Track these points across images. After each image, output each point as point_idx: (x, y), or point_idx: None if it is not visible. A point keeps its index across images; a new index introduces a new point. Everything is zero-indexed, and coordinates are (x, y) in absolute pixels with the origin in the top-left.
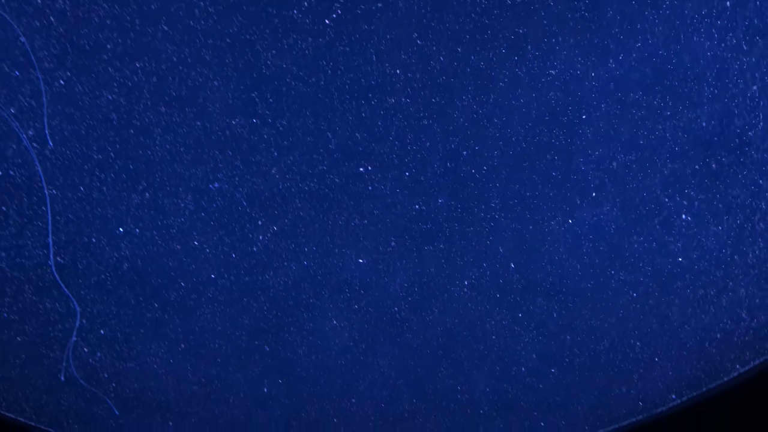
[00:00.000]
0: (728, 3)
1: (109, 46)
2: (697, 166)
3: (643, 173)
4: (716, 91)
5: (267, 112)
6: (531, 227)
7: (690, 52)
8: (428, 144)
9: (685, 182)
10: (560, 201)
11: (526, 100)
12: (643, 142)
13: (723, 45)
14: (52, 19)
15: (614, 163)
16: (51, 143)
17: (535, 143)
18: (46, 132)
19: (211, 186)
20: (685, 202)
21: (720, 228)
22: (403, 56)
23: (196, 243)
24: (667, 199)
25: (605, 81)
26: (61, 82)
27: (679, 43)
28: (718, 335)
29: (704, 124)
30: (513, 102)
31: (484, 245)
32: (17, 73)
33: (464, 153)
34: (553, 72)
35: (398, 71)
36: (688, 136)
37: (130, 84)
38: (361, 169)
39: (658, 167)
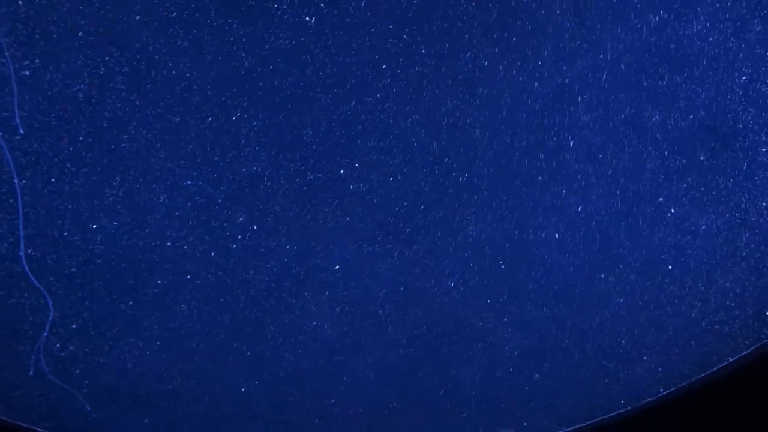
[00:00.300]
0: None
1: (80, 34)
2: (684, 160)
3: (631, 170)
4: (705, 84)
5: (247, 106)
6: (518, 229)
7: (679, 45)
8: (414, 144)
9: (674, 176)
10: (547, 202)
11: (514, 99)
12: (631, 139)
13: (712, 38)
14: (19, 2)
15: (602, 160)
16: (21, 130)
17: (523, 144)
18: (17, 120)
19: (184, 183)
20: (673, 196)
21: (709, 221)
22: (387, 53)
23: (173, 240)
24: (655, 195)
25: (594, 79)
26: (27, 73)
27: (668, 35)
28: (708, 328)
29: (691, 116)
30: (501, 101)
31: (471, 247)
32: None
33: (450, 153)
34: (542, 70)
35: (384, 67)
36: (677, 130)
37: (102, 74)
38: (342, 172)
39: (645, 163)
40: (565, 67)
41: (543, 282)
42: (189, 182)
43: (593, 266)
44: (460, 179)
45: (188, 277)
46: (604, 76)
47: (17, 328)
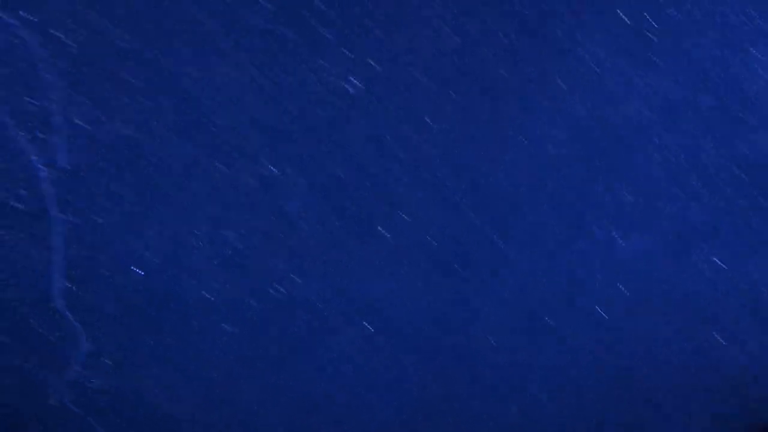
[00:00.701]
0: None
1: (130, 79)
2: (733, 208)
3: (679, 219)
4: (758, 128)
5: (290, 156)
6: (561, 269)
7: (733, 89)
8: (454, 199)
9: (722, 225)
10: (592, 255)
11: (557, 150)
12: (679, 186)
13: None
14: (72, 44)
15: (648, 209)
16: (64, 164)
17: (567, 195)
18: (63, 157)
19: (225, 231)
20: (722, 246)
21: (758, 270)
22: (428, 108)
23: (212, 284)
24: (703, 244)
25: (643, 125)
26: (75, 112)
27: (724, 74)
28: (753, 379)
29: (740, 162)
30: (545, 151)
31: (510, 300)
32: (32, 100)
33: (488, 207)
34: (589, 115)
35: (427, 119)
36: (727, 177)
37: (149, 118)
38: (379, 226)
39: (693, 211)
40: (613, 113)
41: (582, 328)
42: (229, 231)
43: (637, 312)
44: (504, 214)
45: (226, 324)
46: (653, 124)
47: (48, 358)
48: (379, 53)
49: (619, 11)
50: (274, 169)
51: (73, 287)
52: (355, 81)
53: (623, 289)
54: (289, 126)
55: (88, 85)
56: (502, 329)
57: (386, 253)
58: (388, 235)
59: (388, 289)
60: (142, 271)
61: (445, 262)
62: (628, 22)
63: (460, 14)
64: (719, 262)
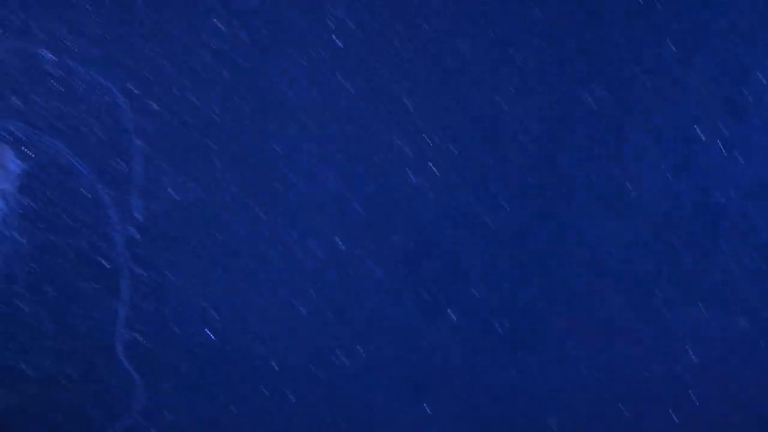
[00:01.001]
0: None
1: (215, 148)
2: None
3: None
4: None
5: (360, 237)
6: (633, 359)
7: None
8: (525, 275)
9: None
10: (665, 329)
11: (633, 222)
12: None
13: None
14: (156, 107)
15: (731, 284)
16: (142, 221)
17: (644, 269)
18: (138, 215)
19: (291, 300)
20: None
21: None
22: (506, 189)
23: (279, 352)
24: None
25: (729, 202)
26: (159, 173)
27: None
28: None
29: None
30: (618, 225)
31: (577, 375)
32: (119, 161)
33: (565, 277)
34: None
35: (502, 202)
36: None
37: (227, 183)
38: (449, 310)
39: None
40: (696, 196)
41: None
42: (298, 300)
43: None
44: (563, 320)
45: (290, 392)
46: (736, 205)
47: (107, 405)
48: (458, 138)
49: (696, 127)
50: (342, 245)
51: (140, 339)
52: (432, 166)
53: (694, 398)
54: (363, 205)
55: (173, 150)
56: (567, 415)
57: (453, 335)
58: (455, 318)
59: (451, 371)
60: (212, 334)
61: (512, 348)
62: (703, 138)
63: (540, 118)
64: None
